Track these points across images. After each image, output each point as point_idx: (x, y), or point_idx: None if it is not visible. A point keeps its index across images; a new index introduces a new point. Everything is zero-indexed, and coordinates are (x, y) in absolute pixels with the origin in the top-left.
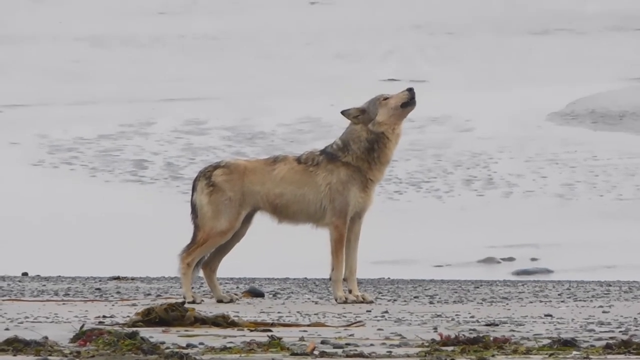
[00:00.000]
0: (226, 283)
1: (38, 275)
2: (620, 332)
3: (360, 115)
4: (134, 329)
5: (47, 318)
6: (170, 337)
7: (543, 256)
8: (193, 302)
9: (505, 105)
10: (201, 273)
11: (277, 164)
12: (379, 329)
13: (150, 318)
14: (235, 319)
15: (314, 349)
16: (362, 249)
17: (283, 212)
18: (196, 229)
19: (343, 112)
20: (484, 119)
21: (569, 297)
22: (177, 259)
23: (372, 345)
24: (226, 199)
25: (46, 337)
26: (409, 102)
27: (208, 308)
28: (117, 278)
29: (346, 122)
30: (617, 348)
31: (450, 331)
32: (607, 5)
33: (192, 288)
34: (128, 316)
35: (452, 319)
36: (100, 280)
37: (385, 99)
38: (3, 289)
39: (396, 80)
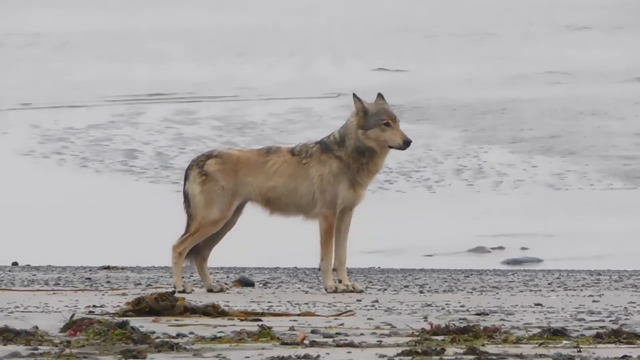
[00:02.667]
0: (216, 272)
1: (28, 265)
2: (610, 321)
3: (361, 114)
4: (124, 318)
5: (37, 308)
6: (160, 327)
7: (533, 245)
8: (183, 291)
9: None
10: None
11: (271, 156)
12: (369, 319)
13: (140, 307)
14: (226, 308)
15: (304, 339)
16: (352, 239)
17: (275, 204)
18: (189, 219)
19: (355, 96)
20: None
21: (559, 287)
22: (171, 248)
23: (362, 334)
24: (218, 189)
25: (36, 327)
26: (396, 147)
27: (198, 297)
28: (107, 267)
29: (333, 113)
30: (607, 337)
31: (440, 320)
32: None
33: (183, 277)
34: (118, 306)
35: (442, 308)
36: (90, 270)
37: (387, 124)
38: None
39: (385, 70)
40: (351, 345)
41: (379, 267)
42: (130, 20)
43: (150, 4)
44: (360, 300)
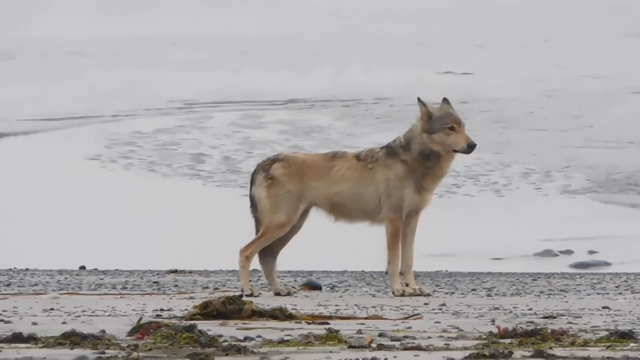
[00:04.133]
0: (284, 276)
1: (95, 269)
2: None
3: (425, 118)
4: (192, 322)
5: (105, 311)
6: (227, 330)
7: (601, 248)
8: (251, 295)
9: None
10: (260, 265)
11: (336, 161)
12: (436, 322)
13: (208, 311)
14: (293, 311)
15: (371, 342)
16: (419, 242)
17: (340, 209)
18: (257, 223)
19: (420, 100)
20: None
21: (627, 290)
22: (238, 252)
23: (429, 337)
24: (285, 192)
25: (103, 331)
26: (461, 151)
27: (266, 301)
28: (175, 271)
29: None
30: None
31: (507, 324)
32: None
33: (250, 281)
34: (186, 309)
35: (510, 312)
36: (158, 274)
37: (452, 128)
38: (61, 283)
39: (451, 73)
40: (418, 348)
41: (446, 271)
42: (159, 27)
43: (178, 11)
44: (427, 304)
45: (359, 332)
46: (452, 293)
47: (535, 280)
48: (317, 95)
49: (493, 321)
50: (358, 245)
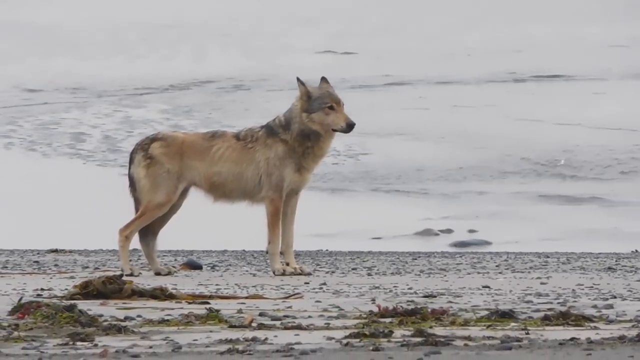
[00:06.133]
0: (164, 255)
1: None
2: (558, 303)
3: (305, 98)
4: (72, 301)
5: None
6: (108, 310)
7: (481, 228)
8: (131, 274)
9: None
10: (140, 245)
11: (216, 140)
12: (317, 301)
13: (88, 291)
14: (173, 291)
15: (252, 321)
16: (300, 221)
17: (220, 189)
18: (136, 202)
19: (299, 80)
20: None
21: (507, 269)
22: (118, 232)
23: (310, 317)
24: (164, 172)
25: None
26: (340, 130)
27: (146, 281)
28: (55, 251)
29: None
30: (555, 319)
31: (388, 303)
32: None
33: (130, 260)
34: (66, 289)
35: (390, 291)
36: (38, 253)
37: (331, 108)
38: None
39: (333, 52)
40: (299, 327)
41: (327, 250)
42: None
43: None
44: (308, 283)
45: (240, 311)
46: (333, 272)
47: (416, 259)
48: (197, 77)
49: (373, 300)
50: (238, 225)
